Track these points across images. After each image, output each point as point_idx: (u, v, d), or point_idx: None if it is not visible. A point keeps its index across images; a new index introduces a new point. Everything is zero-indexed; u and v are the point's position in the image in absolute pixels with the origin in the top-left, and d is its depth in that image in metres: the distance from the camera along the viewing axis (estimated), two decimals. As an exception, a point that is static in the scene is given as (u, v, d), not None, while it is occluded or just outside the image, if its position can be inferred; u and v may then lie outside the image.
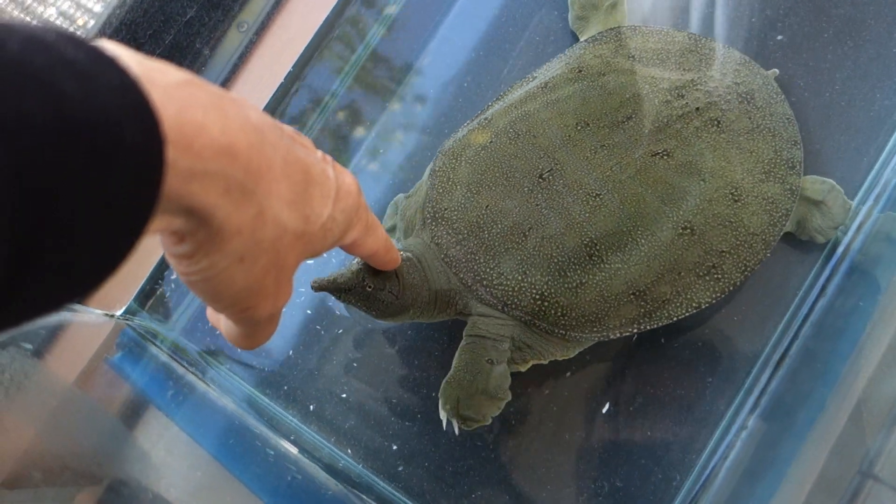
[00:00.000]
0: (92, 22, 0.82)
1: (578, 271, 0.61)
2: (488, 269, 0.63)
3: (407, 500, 0.70)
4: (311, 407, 0.76)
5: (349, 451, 0.73)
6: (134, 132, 0.25)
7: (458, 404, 0.63)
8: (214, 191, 0.30)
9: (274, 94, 0.86)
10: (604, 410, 0.69)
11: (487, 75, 0.82)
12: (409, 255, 0.64)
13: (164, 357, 0.80)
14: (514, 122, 0.67)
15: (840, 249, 0.68)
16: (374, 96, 0.86)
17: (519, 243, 0.62)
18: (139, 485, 0.75)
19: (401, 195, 0.76)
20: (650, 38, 0.71)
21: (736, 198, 0.62)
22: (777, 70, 0.71)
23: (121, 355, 0.80)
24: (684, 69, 0.68)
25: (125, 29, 0.72)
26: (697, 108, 0.64)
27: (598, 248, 0.61)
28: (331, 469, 0.73)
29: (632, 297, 0.61)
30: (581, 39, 0.76)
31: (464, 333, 0.66)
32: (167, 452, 0.77)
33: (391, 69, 0.87)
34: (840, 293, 0.66)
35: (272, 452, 0.74)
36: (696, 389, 0.68)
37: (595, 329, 0.62)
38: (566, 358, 0.65)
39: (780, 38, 0.75)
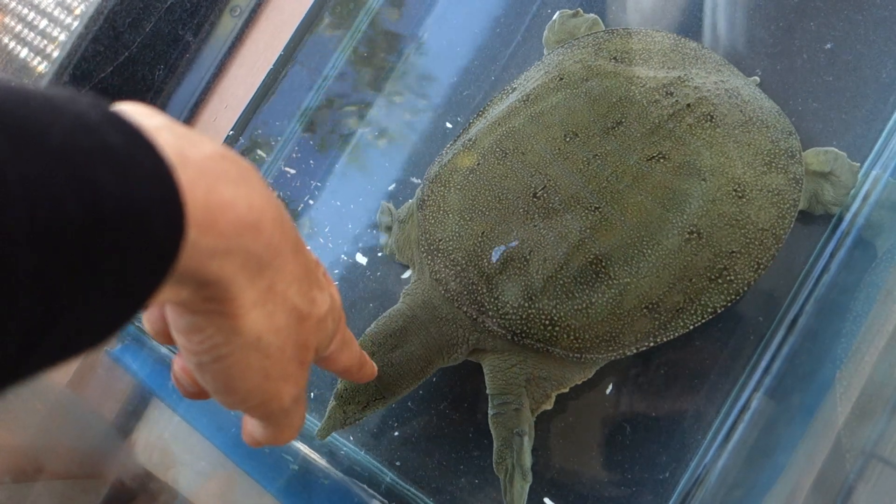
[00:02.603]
0: (84, 8, 0.81)
1: (587, 291, 0.57)
2: (492, 299, 0.59)
3: (409, 486, 0.69)
4: (312, 394, 0.75)
5: (350, 438, 0.72)
6: (159, 223, 0.25)
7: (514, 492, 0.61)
8: (232, 266, 0.29)
9: (264, 80, 0.84)
10: (607, 391, 0.67)
11: (490, 53, 0.79)
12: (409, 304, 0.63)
13: (163, 349, 0.79)
14: (499, 140, 0.62)
15: (846, 220, 0.66)
16: (373, 75, 0.83)
17: (521, 268, 0.58)
18: (146, 475, 0.75)
19: (388, 203, 0.73)
20: (629, 38, 0.67)
21: (740, 194, 0.58)
22: (758, 78, 0.68)
23: (121, 347, 0.79)
24: (669, 68, 0.64)
25: (102, 18, 0.71)
26: (688, 105, 0.60)
27: (604, 264, 0.57)
28: (332, 457, 0.72)
29: (645, 310, 0.57)
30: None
31: (488, 394, 0.63)
32: (172, 442, 0.77)
33: (388, 46, 0.84)
34: (845, 268, 0.64)
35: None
36: (700, 369, 0.66)
37: (611, 348, 0.58)
38: (585, 380, 0.63)
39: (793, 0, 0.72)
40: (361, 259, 0.76)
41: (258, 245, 0.30)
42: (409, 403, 0.71)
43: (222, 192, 0.28)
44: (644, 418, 0.66)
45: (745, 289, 0.58)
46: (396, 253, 0.71)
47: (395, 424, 0.71)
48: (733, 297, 0.58)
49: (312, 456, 0.72)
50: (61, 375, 0.75)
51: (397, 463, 0.70)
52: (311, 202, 0.80)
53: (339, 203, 0.79)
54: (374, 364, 0.54)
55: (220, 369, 0.33)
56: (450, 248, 0.61)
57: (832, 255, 0.65)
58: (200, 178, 0.27)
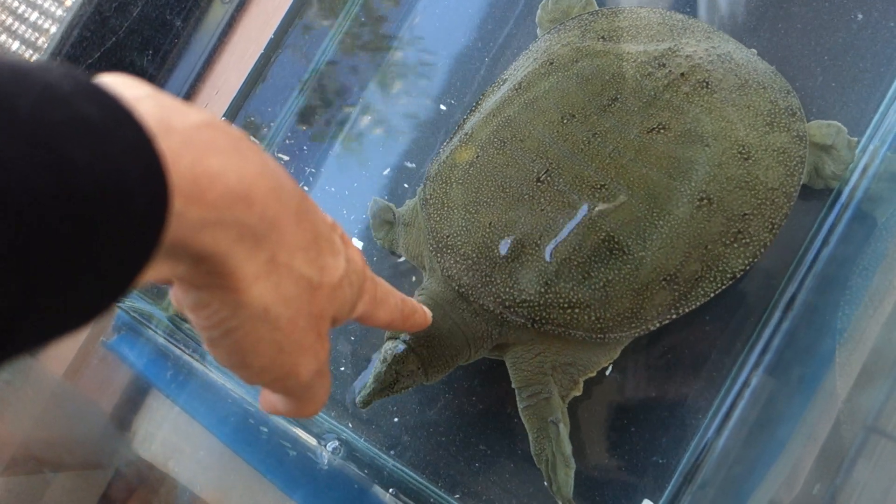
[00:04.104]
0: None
1: (602, 269, 0.56)
2: (507, 289, 0.57)
3: (409, 471, 0.68)
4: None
5: (350, 424, 0.72)
6: (141, 196, 0.24)
7: (557, 480, 0.59)
8: (226, 239, 0.28)
9: (255, 66, 0.83)
10: (607, 374, 0.66)
11: (484, 35, 0.77)
12: (427, 302, 0.59)
13: (160, 339, 0.78)
14: (496, 130, 0.62)
15: (845, 194, 0.64)
16: (364, 59, 0.81)
17: (533, 254, 0.57)
18: (145, 465, 0.75)
19: (378, 198, 0.72)
20: (615, 17, 0.66)
21: (746, 156, 0.57)
22: (755, 50, 0.66)
23: (118, 338, 0.79)
24: (658, 41, 0.63)
25: (91, 5, 0.69)
26: (682, 74, 0.59)
27: (617, 240, 0.56)
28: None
29: (663, 283, 0.56)
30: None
31: (514, 388, 0.61)
32: (171, 433, 0.76)
33: (380, 30, 0.81)
34: (844, 241, 0.63)
35: (266, 430, 0.73)
36: (700, 349, 0.64)
37: (633, 325, 0.57)
38: (610, 362, 0.61)
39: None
40: (358, 244, 0.76)
41: (251, 217, 0.29)
42: (409, 389, 0.70)
43: (210, 162, 0.27)
44: (645, 400, 0.65)
45: (763, 250, 0.57)
46: (404, 254, 0.69)
47: (395, 410, 0.70)
48: (751, 259, 0.57)
49: (312, 443, 0.71)
50: (57, 367, 0.75)
51: (395, 450, 0.69)
52: (305, 188, 0.79)
53: (333, 189, 0.79)
54: (427, 310, 0.51)
55: (231, 343, 0.32)
56: (458, 243, 0.60)
57: (831, 229, 0.64)
58: (186, 148, 0.26)
